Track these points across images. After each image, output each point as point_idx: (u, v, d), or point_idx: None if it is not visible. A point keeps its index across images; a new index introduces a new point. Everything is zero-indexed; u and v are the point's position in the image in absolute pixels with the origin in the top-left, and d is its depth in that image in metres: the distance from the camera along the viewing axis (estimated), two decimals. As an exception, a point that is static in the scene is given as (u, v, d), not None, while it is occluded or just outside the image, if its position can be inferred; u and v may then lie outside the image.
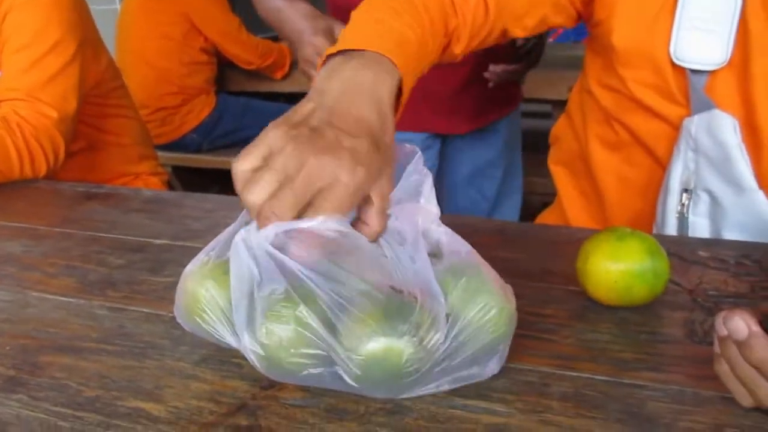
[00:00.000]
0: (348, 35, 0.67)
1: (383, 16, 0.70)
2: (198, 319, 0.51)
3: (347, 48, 0.62)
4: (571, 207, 1.02)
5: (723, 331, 0.44)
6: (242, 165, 0.50)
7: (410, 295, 0.47)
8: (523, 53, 1.45)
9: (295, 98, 2.51)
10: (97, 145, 1.37)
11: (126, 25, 2.51)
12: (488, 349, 0.49)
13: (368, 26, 0.70)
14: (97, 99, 1.36)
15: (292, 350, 0.46)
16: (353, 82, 0.57)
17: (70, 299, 0.66)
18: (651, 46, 0.82)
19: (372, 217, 0.49)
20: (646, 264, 0.61)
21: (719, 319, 0.45)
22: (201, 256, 0.53)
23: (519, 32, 0.87)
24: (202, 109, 2.51)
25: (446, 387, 0.49)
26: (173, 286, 0.55)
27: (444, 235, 0.52)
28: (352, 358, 0.45)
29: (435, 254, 0.51)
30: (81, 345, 0.58)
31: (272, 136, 0.51)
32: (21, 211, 0.96)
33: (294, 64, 2.57)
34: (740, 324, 0.43)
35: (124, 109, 1.46)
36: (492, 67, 1.38)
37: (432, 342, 0.46)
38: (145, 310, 0.64)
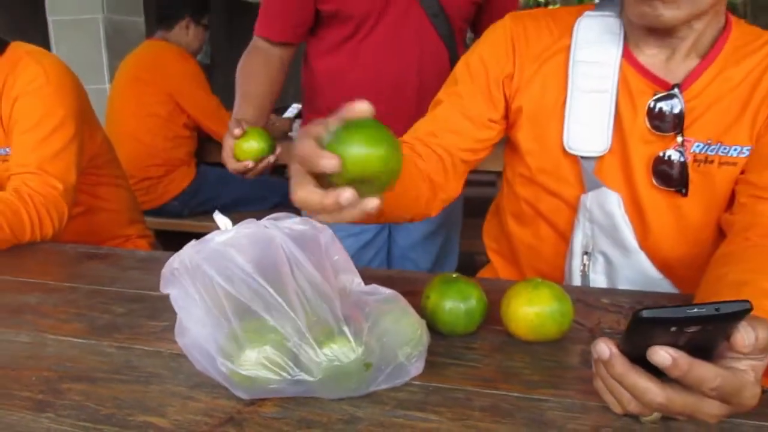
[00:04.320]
0: None
1: None
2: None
3: None
4: (499, 267, 1.13)
5: (595, 355, 0.54)
6: None
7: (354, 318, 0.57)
8: None
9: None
10: (93, 210, 1.44)
11: (115, 103, 2.57)
12: (409, 352, 0.60)
13: None
14: (93, 170, 1.44)
15: (264, 371, 0.56)
16: None
17: (82, 340, 0.74)
18: (548, 140, 0.95)
19: None
20: (554, 307, 0.71)
21: (592, 346, 0.55)
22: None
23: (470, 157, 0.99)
24: (183, 179, 2.56)
25: (385, 385, 0.59)
26: (170, 328, 0.63)
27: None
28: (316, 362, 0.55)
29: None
30: (95, 375, 0.65)
31: None
32: (31, 269, 1.02)
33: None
34: (603, 347, 0.52)
35: (116, 179, 1.53)
36: None
37: (370, 346, 0.56)
38: (147, 348, 0.71)
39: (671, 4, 0.80)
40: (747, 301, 0.47)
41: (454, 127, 0.96)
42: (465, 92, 0.97)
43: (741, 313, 0.48)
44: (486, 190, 2.72)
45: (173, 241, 2.69)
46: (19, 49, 1.29)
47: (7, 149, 1.26)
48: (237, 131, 1.22)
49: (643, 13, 0.83)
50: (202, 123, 2.55)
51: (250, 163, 1.24)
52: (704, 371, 0.49)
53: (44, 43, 3.13)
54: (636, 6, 0.83)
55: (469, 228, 1.75)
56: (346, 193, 0.53)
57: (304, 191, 0.57)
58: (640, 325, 0.48)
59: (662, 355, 0.49)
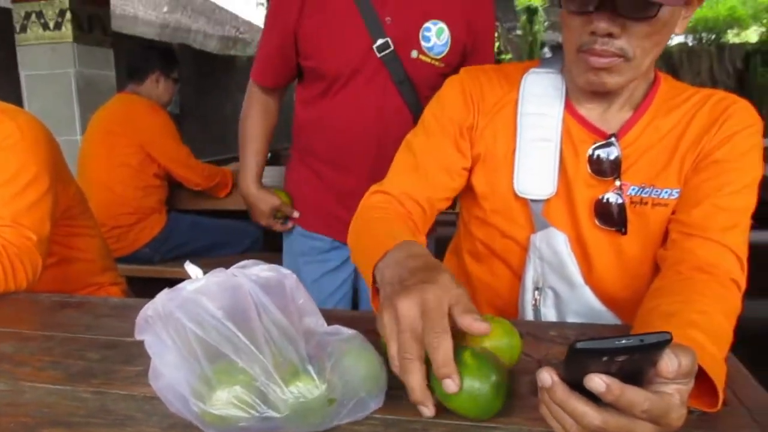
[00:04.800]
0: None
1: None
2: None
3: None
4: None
5: (539, 383, 0.59)
6: None
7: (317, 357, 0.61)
8: None
9: (237, 215, 2.62)
10: (67, 260, 1.45)
11: (87, 154, 2.59)
12: (369, 388, 0.64)
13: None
14: (66, 221, 1.45)
15: (234, 409, 0.59)
16: None
17: (58, 386, 0.76)
18: (500, 185, 1.02)
19: None
20: (504, 341, 0.76)
21: (537, 375, 0.59)
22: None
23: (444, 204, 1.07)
24: (154, 226, 2.58)
25: (347, 419, 0.63)
26: (144, 373, 0.66)
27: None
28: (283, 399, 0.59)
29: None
30: (71, 420, 0.67)
31: None
32: (6, 318, 1.03)
33: (235, 185, 2.69)
34: (546, 376, 0.57)
35: (88, 229, 1.55)
36: None
37: (333, 383, 0.60)
38: (122, 392, 0.74)
39: (615, 74, 0.89)
40: (668, 332, 0.53)
41: (433, 181, 1.03)
42: (439, 145, 1.04)
43: (662, 343, 0.53)
44: (448, 229, 2.78)
45: (145, 287, 2.69)
46: (-6, 106, 1.32)
47: None
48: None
49: (590, 81, 0.91)
50: (173, 172, 2.58)
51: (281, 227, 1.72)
52: (634, 395, 0.54)
53: (17, 96, 3.15)
54: (583, 75, 0.91)
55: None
56: (428, 411, 0.64)
57: (418, 375, 0.63)
58: (576, 356, 0.53)
59: (597, 381, 0.53)
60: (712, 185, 0.91)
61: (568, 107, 1.00)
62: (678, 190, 0.95)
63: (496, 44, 9.91)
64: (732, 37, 9.75)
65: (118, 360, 0.83)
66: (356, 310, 1.61)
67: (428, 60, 1.46)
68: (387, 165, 1.07)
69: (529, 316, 1.04)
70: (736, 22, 9.66)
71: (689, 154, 0.94)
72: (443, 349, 0.61)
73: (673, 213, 0.95)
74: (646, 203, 0.96)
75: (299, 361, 0.61)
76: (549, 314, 1.03)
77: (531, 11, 10.06)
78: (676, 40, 9.87)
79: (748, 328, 0.93)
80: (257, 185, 1.69)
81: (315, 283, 1.64)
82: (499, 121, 1.02)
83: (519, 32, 10.24)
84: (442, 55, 1.47)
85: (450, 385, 0.61)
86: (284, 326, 0.62)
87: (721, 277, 0.84)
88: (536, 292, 1.02)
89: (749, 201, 0.91)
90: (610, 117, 0.98)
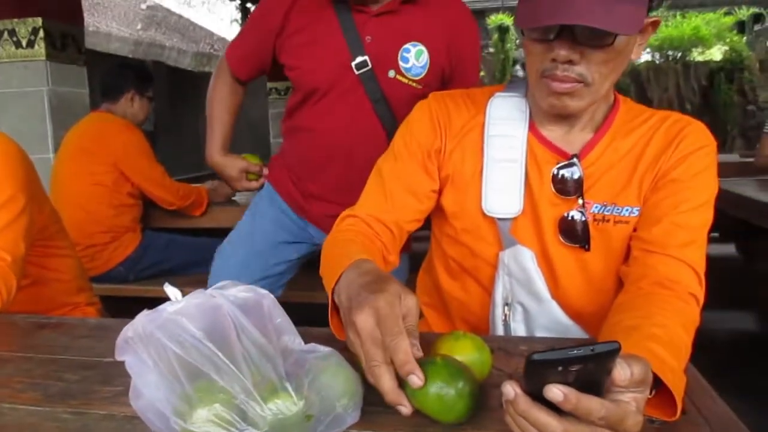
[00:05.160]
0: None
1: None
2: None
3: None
4: (432, 320, 1.21)
5: (504, 396, 0.62)
6: None
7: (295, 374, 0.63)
8: None
9: (212, 232, 2.61)
10: (42, 280, 1.44)
11: (60, 173, 2.57)
12: (345, 403, 0.66)
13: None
14: (41, 242, 1.45)
15: (214, 427, 0.61)
16: None
17: (38, 408, 0.77)
18: (469, 204, 1.05)
19: None
20: (474, 356, 0.79)
21: (501, 388, 0.62)
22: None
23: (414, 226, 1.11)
24: (128, 245, 2.56)
25: None
26: (123, 393, 0.67)
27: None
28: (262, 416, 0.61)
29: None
30: (53, 441, 0.69)
31: None
32: (-18, 341, 1.04)
33: (210, 203, 2.70)
34: (509, 388, 0.60)
35: (63, 249, 1.54)
36: None
37: (310, 399, 0.62)
38: (101, 412, 0.75)
39: (575, 98, 0.94)
40: (616, 341, 0.56)
41: (401, 204, 1.06)
42: (407, 169, 1.08)
43: (612, 352, 0.56)
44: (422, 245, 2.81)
45: (119, 306, 2.68)
46: (-31, 128, 1.32)
47: None
48: None
49: (553, 105, 0.96)
50: (147, 191, 2.57)
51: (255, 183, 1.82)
52: (591, 404, 0.57)
53: (-13, 114, 3.12)
54: (546, 99, 0.96)
55: (407, 283, 1.81)
56: (405, 410, 0.67)
57: (387, 378, 0.67)
58: (533, 367, 0.56)
59: (554, 391, 0.57)
60: (670, 203, 0.95)
61: (532, 129, 1.04)
62: (638, 208, 0.99)
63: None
64: (697, 55, 10.03)
65: (96, 380, 0.84)
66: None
67: (405, 81, 1.50)
68: (355, 180, 1.11)
69: (500, 330, 1.07)
70: (700, 41, 9.94)
71: (648, 173, 0.99)
72: (401, 349, 0.66)
73: (635, 230, 0.99)
74: (608, 221, 1.00)
75: (277, 379, 0.63)
76: (519, 329, 1.06)
77: (503, 30, 10.24)
78: (644, 57, 10.11)
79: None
80: (222, 153, 1.76)
81: (266, 244, 1.70)
82: (466, 143, 1.06)
83: (491, 50, 10.40)
84: (420, 77, 1.51)
85: (415, 380, 0.65)
86: (262, 345, 0.64)
87: (680, 292, 0.88)
88: (506, 308, 1.05)
89: (706, 218, 0.96)
90: (572, 138, 1.02)
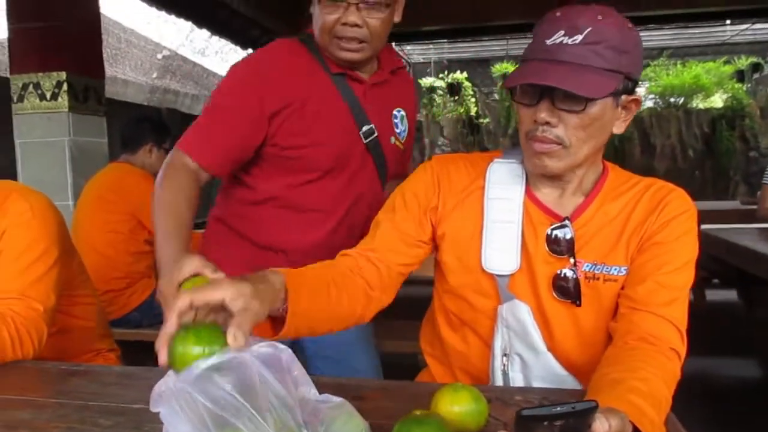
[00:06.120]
0: None
1: None
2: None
3: None
4: (434, 369, 1.28)
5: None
6: None
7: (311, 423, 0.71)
8: None
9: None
10: (68, 328, 1.52)
11: (80, 220, 2.68)
12: None
13: None
14: (68, 291, 1.53)
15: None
16: None
17: (76, 451, 0.84)
18: (469, 261, 1.14)
19: None
20: (472, 406, 0.86)
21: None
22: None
23: (404, 270, 1.18)
24: (144, 290, 2.65)
25: None
26: (154, 437, 0.75)
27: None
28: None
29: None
30: (92, 481, 0.76)
31: None
32: (18, 387, 1.11)
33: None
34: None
35: (88, 297, 1.63)
36: None
37: None
38: (135, 455, 0.83)
39: (554, 159, 1.03)
40: (594, 401, 0.64)
41: (391, 246, 1.15)
42: (401, 218, 1.17)
43: (591, 409, 0.64)
44: (423, 289, 2.86)
45: (133, 350, 2.74)
46: (7, 186, 1.43)
47: None
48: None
49: (535, 164, 1.06)
50: (163, 238, 2.66)
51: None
52: (574, 454, 0.65)
53: (12, 163, 3.25)
54: (530, 159, 1.07)
55: (413, 329, 1.87)
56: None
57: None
58: (522, 421, 0.64)
59: None
60: (654, 264, 1.04)
61: (528, 192, 1.13)
62: (626, 267, 1.07)
63: (475, 109, 10.33)
64: (699, 102, 10.20)
65: (128, 426, 0.92)
66: (342, 377, 1.69)
67: (398, 144, 1.62)
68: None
69: (499, 380, 1.14)
70: (701, 89, 10.12)
71: (634, 236, 1.07)
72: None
73: (622, 288, 1.07)
74: (598, 278, 1.08)
75: (296, 426, 0.71)
76: (517, 378, 1.13)
77: (507, 78, 10.44)
78: (647, 104, 10.28)
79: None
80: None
81: None
82: (467, 205, 1.15)
83: (496, 97, 10.62)
84: (404, 139, 1.64)
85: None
86: (283, 396, 0.72)
87: (662, 347, 0.96)
88: (504, 358, 1.13)
89: (687, 277, 1.04)
90: (564, 201, 1.11)
